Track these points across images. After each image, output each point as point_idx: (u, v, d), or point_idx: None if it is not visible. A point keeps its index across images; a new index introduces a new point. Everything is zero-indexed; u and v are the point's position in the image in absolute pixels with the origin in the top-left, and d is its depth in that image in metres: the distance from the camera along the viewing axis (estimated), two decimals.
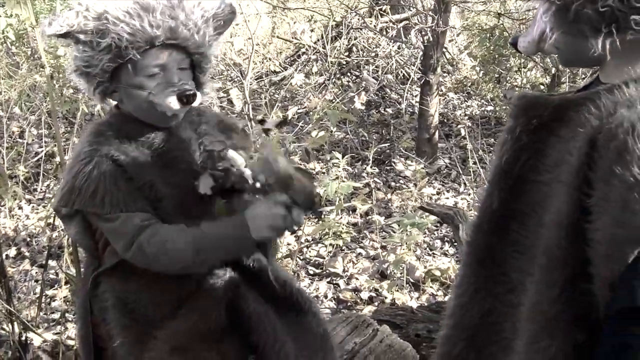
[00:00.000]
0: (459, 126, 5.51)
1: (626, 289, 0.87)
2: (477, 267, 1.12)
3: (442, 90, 5.82)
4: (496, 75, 5.85)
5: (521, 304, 1.03)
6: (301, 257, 3.68)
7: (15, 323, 2.50)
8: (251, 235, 1.45)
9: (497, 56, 5.57)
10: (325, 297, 3.29)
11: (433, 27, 4.57)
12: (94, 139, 1.51)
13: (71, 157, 1.57)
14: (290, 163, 1.51)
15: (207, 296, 1.54)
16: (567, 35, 0.99)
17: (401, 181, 4.68)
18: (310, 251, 3.78)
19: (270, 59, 6.12)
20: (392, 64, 5.85)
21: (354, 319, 2.43)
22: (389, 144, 5.17)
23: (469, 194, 4.39)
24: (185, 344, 1.51)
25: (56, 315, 2.94)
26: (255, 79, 5.76)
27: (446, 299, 3.08)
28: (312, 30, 6.13)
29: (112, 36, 1.44)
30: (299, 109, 5.53)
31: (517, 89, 5.61)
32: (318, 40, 5.98)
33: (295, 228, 1.50)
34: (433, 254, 3.76)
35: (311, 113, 5.06)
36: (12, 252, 3.53)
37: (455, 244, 3.66)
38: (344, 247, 3.77)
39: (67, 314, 2.85)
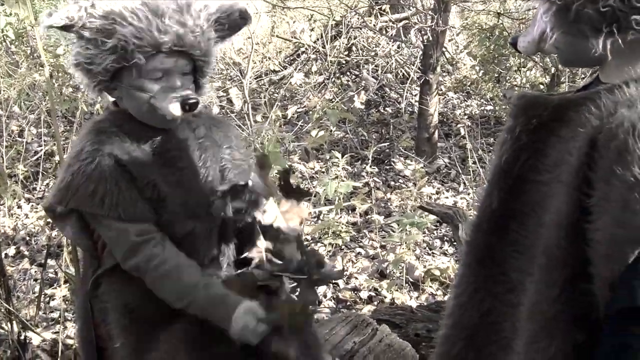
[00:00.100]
0: (459, 126, 5.51)
1: (626, 289, 0.87)
2: (476, 266, 1.12)
3: (441, 90, 5.82)
4: (496, 75, 5.85)
5: (521, 304, 1.03)
6: None
7: (14, 322, 2.50)
8: (230, 332, 1.45)
9: (496, 56, 5.57)
10: (325, 296, 3.29)
11: (433, 27, 4.57)
12: (95, 138, 1.50)
13: (70, 154, 1.56)
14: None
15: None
16: (567, 35, 0.99)
17: (400, 180, 4.68)
18: None
19: (269, 58, 6.12)
20: (392, 63, 5.86)
21: (353, 318, 2.43)
22: (388, 144, 5.17)
23: (469, 194, 4.39)
24: (185, 345, 1.51)
25: (55, 315, 2.94)
26: (255, 78, 5.76)
27: (445, 298, 3.08)
28: (311, 30, 6.13)
29: (118, 37, 1.42)
30: (298, 108, 5.53)
31: (516, 88, 5.61)
32: (317, 39, 5.98)
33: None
34: (432, 253, 3.76)
35: (311, 112, 5.06)
36: (12, 251, 3.53)
37: (455, 243, 3.67)
38: (343, 247, 3.77)
39: (66, 313, 2.85)
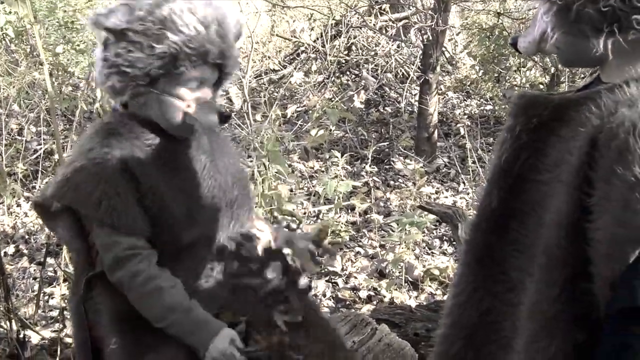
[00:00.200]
0: (458, 125, 5.51)
1: (627, 288, 0.87)
2: (475, 266, 1.12)
3: (441, 89, 5.82)
4: (495, 75, 5.85)
5: (521, 303, 1.03)
6: None
7: (13, 320, 2.50)
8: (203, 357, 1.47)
9: (496, 55, 5.56)
10: (324, 295, 3.28)
11: (432, 26, 4.57)
12: (105, 140, 1.48)
13: (75, 152, 1.54)
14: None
15: (202, 299, 1.53)
16: (568, 35, 0.99)
17: (400, 180, 4.68)
18: None
19: (269, 57, 6.12)
20: (392, 62, 5.85)
21: (353, 317, 2.42)
22: (388, 143, 5.16)
23: (468, 193, 4.39)
24: (179, 347, 1.50)
25: (54, 313, 2.93)
26: (255, 77, 5.76)
27: (445, 298, 3.08)
28: (311, 29, 6.13)
29: (169, 43, 1.40)
30: (298, 107, 5.53)
31: (516, 88, 5.61)
32: (317, 38, 5.98)
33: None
34: (432, 253, 3.76)
35: (310, 112, 5.06)
36: (11, 249, 3.52)
37: (454, 243, 3.66)
38: (342, 246, 3.77)
39: (65, 312, 2.85)
